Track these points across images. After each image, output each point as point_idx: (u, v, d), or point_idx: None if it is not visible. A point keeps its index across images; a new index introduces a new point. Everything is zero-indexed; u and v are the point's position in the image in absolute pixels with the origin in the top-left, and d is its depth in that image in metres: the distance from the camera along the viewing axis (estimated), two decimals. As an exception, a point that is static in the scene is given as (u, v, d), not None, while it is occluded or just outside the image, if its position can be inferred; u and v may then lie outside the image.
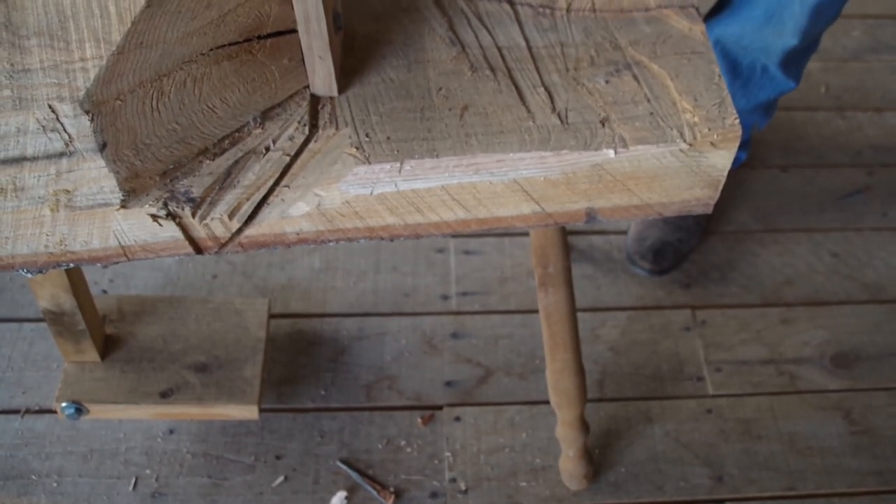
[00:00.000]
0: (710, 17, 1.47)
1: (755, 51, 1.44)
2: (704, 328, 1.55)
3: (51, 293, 1.14)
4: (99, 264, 0.81)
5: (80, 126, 0.71)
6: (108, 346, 1.29)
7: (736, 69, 1.48)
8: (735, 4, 1.42)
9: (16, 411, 1.41)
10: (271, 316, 1.38)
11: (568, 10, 0.93)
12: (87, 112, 0.70)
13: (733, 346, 1.53)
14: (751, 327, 1.56)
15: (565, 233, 1.03)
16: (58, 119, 0.71)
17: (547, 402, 1.26)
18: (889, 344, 1.54)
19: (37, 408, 1.41)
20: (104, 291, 1.55)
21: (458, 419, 1.43)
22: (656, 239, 1.61)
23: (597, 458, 1.38)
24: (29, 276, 0.86)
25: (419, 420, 1.42)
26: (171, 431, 1.39)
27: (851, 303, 1.60)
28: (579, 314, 1.14)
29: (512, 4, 0.93)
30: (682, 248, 1.62)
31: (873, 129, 1.90)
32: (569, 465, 1.33)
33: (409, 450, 1.39)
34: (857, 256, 1.67)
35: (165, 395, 1.26)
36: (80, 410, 1.25)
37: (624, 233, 1.68)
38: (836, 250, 1.68)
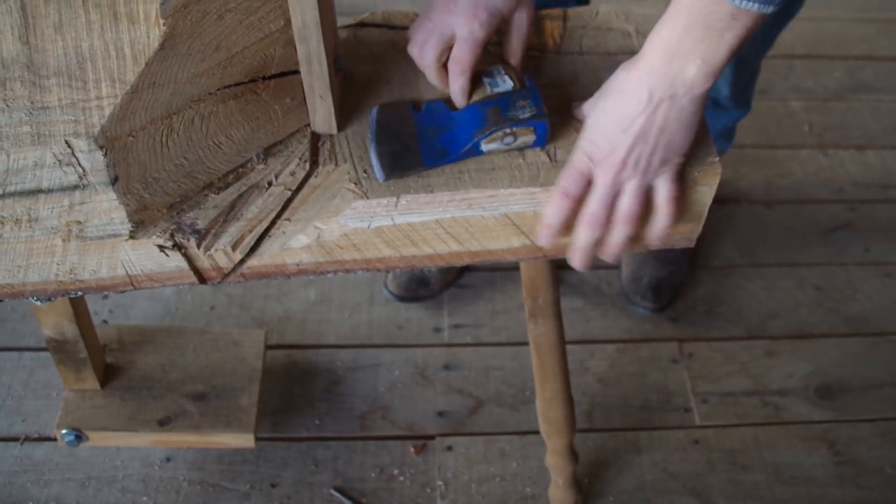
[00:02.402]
0: None
1: None
2: (691, 360, 1.59)
3: (55, 322, 1.17)
4: (106, 293, 0.84)
5: (93, 160, 0.75)
6: (108, 374, 1.32)
7: None
8: None
9: (15, 439, 1.43)
10: (268, 347, 1.41)
11: (557, 53, 0.97)
12: (101, 147, 0.74)
13: (719, 377, 1.56)
14: (736, 359, 1.59)
15: (554, 266, 1.07)
16: (73, 154, 0.74)
17: (537, 433, 1.29)
18: (872, 376, 1.58)
19: (36, 435, 1.43)
20: (105, 321, 1.58)
21: (449, 449, 1.45)
22: (651, 276, 1.64)
23: (586, 488, 1.41)
24: (38, 303, 0.89)
25: (412, 449, 1.45)
26: (168, 459, 1.41)
27: (835, 336, 1.64)
28: (569, 346, 1.17)
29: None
30: (675, 282, 1.66)
31: (855, 167, 1.95)
32: (558, 494, 1.35)
33: (401, 478, 1.41)
34: (840, 290, 1.71)
35: (164, 423, 1.28)
36: (79, 437, 1.27)
37: (613, 267, 1.72)
38: (819, 284, 1.72)
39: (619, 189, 0.82)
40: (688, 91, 0.77)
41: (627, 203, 0.82)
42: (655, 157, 0.80)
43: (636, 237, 0.85)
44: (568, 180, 0.82)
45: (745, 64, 1.45)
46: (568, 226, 0.83)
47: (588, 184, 0.82)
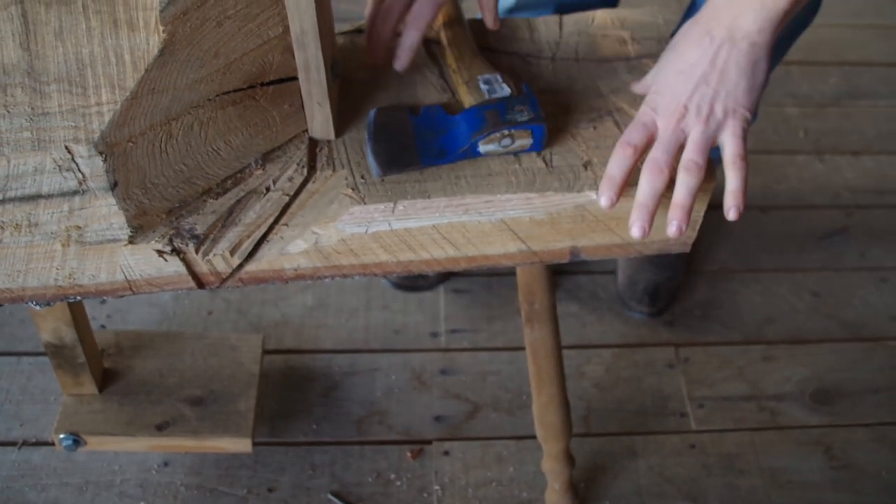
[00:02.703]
0: None
1: None
2: (687, 365, 1.59)
3: (53, 326, 1.17)
4: (104, 298, 0.85)
5: (93, 166, 0.75)
6: (106, 379, 1.32)
7: None
8: None
9: (13, 443, 1.43)
10: (265, 352, 1.42)
11: (553, 59, 0.98)
12: (100, 153, 0.75)
13: (716, 382, 1.57)
14: (733, 364, 1.60)
15: (550, 271, 1.07)
16: (73, 159, 0.75)
17: (533, 437, 1.29)
18: (868, 380, 1.58)
19: (34, 440, 1.43)
20: (102, 326, 1.58)
21: (446, 453, 1.46)
22: (648, 281, 1.65)
23: (582, 492, 1.42)
24: (37, 308, 0.90)
25: (408, 454, 1.45)
26: (166, 464, 1.41)
27: (831, 341, 1.65)
28: (566, 351, 1.18)
29: (500, 53, 0.98)
30: (672, 287, 1.67)
31: (851, 172, 1.96)
32: (555, 499, 1.36)
33: (398, 483, 1.42)
34: (836, 295, 1.72)
35: (161, 428, 1.28)
36: (77, 442, 1.27)
37: (610, 272, 1.73)
38: (816, 289, 1.73)
39: (682, 137, 0.81)
40: (746, 36, 0.78)
41: (691, 150, 0.81)
42: (717, 105, 0.80)
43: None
44: (631, 131, 0.82)
45: None
46: (628, 181, 0.81)
47: (651, 137, 0.82)
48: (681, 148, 0.81)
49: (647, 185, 0.81)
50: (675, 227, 0.81)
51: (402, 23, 0.93)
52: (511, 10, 1.50)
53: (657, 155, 0.81)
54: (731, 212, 0.83)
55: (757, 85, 0.80)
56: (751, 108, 0.81)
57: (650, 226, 0.81)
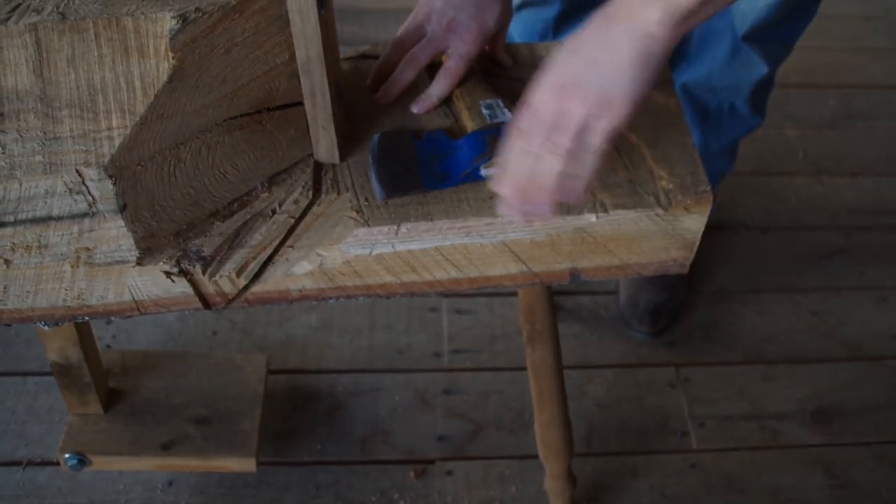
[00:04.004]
0: (674, 66, 1.52)
1: (724, 90, 1.50)
2: (688, 385, 1.60)
3: (60, 346, 1.19)
4: (111, 318, 0.86)
5: (103, 189, 0.77)
6: (111, 399, 1.33)
7: (705, 113, 1.54)
8: (695, 49, 1.49)
9: (18, 463, 1.44)
10: (269, 371, 1.43)
11: (553, 85, 1.00)
12: (110, 176, 0.76)
13: (716, 401, 1.58)
14: (733, 384, 1.61)
15: (551, 292, 1.09)
16: (83, 182, 0.77)
17: (536, 457, 1.30)
18: (867, 399, 1.59)
19: (39, 460, 1.44)
20: (108, 346, 1.60)
21: (449, 473, 1.47)
22: (649, 301, 1.66)
23: (584, 512, 1.42)
24: (45, 328, 0.91)
25: (412, 474, 1.46)
26: (171, 483, 1.42)
27: (831, 360, 1.66)
28: (567, 371, 1.19)
29: (502, 79, 1.00)
30: (673, 307, 1.68)
31: (849, 193, 1.97)
32: (557, 518, 1.36)
33: (402, 502, 1.42)
34: (835, 315, 1.73)
35: (166, 447, 1.29)
36: (82, 461, 1.28)
37: (611, 293, 1.74)
38: (815, 309, 1.74)
39: (556, 116, 0.77)
40: (645, 29, 0.74)
41: (561, 133, 0.77)
42: (592, 89, 0.75)
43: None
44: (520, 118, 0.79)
45: (760, 68, 1.47)
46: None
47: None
48: (554, 125, 0.77)
49: (514, 156, 0.79)
50: (573, 197, 0.79)
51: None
52: (519, 7, 1.52)
53: (525, 124, 0.78)
54: (566, 196, 0.80)
55: (643, 81, 0.76)
56: (629, 103, 0.76)
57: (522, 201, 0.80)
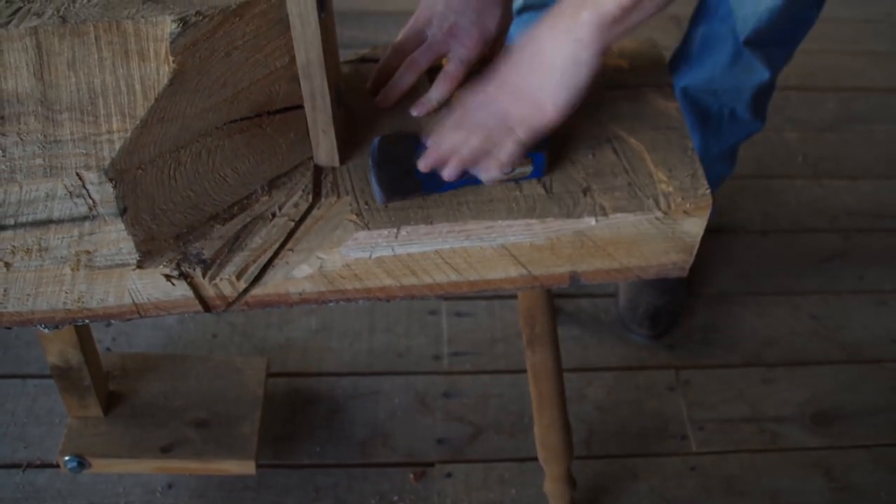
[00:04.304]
0: (675, 69, 1.53)
1: (725, 94, 1.51)
2: (688, 388, 1.60)
3: (60, 349, 1.19)
4: (111, 321, 0.86)
5: (103, 192, 0.77)
6: (111, 401, 1.33)
7: (706, 117, 1.55)
8: (696, 53, 1.49)
9: (17, 465, 1.44)
10: (269, 374, 1.43)
11: (553, 88, 1.00)
12: (110, 180, 0.77)
13: (716, 404, 1.58)
14: (733, 387, 1.61)
15: (551, 295, 1.09)
16: (84, 186, 0.77)
17: (535, 459, 1.30)
18: (867, 402, 1.59)
19: (38, 462, 1.44)
20: (108, 349, 1.60)
21: (449, 475, 1.47)
22: (648, 304, 1.66)
23: (584, 515, 1.42)
24: (45, 331, 0.91)
25: (411, 476, 1.46)
26: (170, 486, 1.42)
27: (830, 363, 1.66)
28: (567, 374, 1.19)
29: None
30: (672, 310, 1.68)
31: (849, 196, 1.97)
32: (557, 521, 1.36)
33: (401, 505, 1.43)
34: (835, 318, 1.73)
35: (166, 450, 1.29)
36: (82, 464, 1.28)
37: (611, 296, 1.74)
38: (814, 312, 1.74)
39: (480, 98, 0.85)
40: (575, 34, 0.78)
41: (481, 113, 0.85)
42: (528, 90, 0.81)
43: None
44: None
45: (761, 70, 1.48)
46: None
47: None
48: (478, 104, 0.86)
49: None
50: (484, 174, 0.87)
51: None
52: (520, 11, 1.53)
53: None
54: (445, 170, 0.87)
55: (568, 86, 0.80)
56: (553, 106, 0.81)
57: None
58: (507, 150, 0.84)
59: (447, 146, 0.85)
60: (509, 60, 0.84)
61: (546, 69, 0.80)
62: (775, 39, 1.41)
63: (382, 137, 0.88)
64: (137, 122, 0.76)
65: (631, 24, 0.78)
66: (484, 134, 0.84)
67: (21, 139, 0.76)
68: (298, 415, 1.53)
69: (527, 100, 0.82)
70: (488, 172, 0.86)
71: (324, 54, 0.80)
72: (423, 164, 0.86)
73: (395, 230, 0.84)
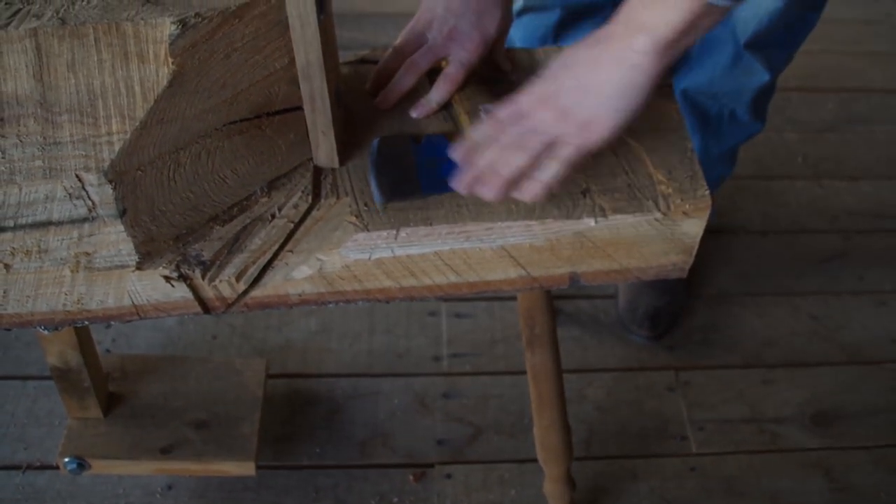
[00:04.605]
0: (675, 71, 1.52)
1: (725, 96, 1.51)
2: (688, 388, 1.60)
3: (59, 350, 1.19)
4: (111, 322, 0.86)
5: (103, 194, 0.77)
6: (111, 402, 1.33)
7: (706, 119, 1.54)
8: (696, 55, 1.49)
9: (17, 467, 1.44)
10: (269, 376, 1.43)
11: (552, 89, 1.00)
12: (110, 181, 0.77)
13: (716, 405, 1.58)
14: (733, 387, 1.61)
15: (551, 296, 1.09)
16: (83, 187, 0.77)
17: (535, 461, 1.30)
18: (867, 403, 1.59)
19: (38, 463, 1.44)
20: (108, 350, 1.60)
21: (449, 476, 1.47)
22: (648, 305, 1.66)
23: (584, 515, 1.42)
24: (45, 332, 0.91)
25: (411, 477, 1.46)
26: (170, 487, 1.42)
27: (830, 364, 1.66)
28: (567, 375, 1.19)
29: (502, 83, 1.00)
30: (672, 311, 1.68)
31: (849, 197, 1.97)
32: (556, 522, 1.36)
33: (401, 506, 1.43)
34: (835, 319, 1.73)
35: (166, 451, 1.30)
36: (82, 465, 1.28)
37: (610, 297, 1.74)
38: (814, 313, 1.74)
39: (534, 122, 0.81)
40: (630, 58, 0.77)
41: (533, 138, 0.81)
42: (576, 111, 0.79)
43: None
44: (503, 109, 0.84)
45: (760, 73, 1.48)
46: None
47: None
48: (530, 129, 0.82)
49: (490, 154, 0.83)
50: (528, 195, 0.83)
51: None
52: (520, 13, 1.53)
53: (504, 115, 0.83)
54: (526, 194, 0.84)
55: (624, 108, 0.79)
56: (607, 128, 0.79)
57: (499, 193, 0.83)
58: (552, 170, 0.81)
59: (484, 164, 0.82)
60: (551, 78, 0.81)
61: (601, 91, 0.78)
62: (776, 42, 1.41)
63: (382, 139, 0.88)
64: (137, 123, 0.76)
65: (685, 45, 0.77)
66: (525, 153, 0.81)
67: (20, 141, 0.76)
68: (298, 416, 1.53)
69: (576, 120, 0.79)
70: (531, 193, 0.83)
71: (323, 56, 0.80)
72: (461, 185, 0.83)
73: (394, 231, 0.84)
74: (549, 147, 0.81)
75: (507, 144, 0.82)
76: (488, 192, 0.83)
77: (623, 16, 0.78)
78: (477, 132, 0.84)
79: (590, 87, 0.79)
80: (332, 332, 1.66)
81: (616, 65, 0.77)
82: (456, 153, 0.84)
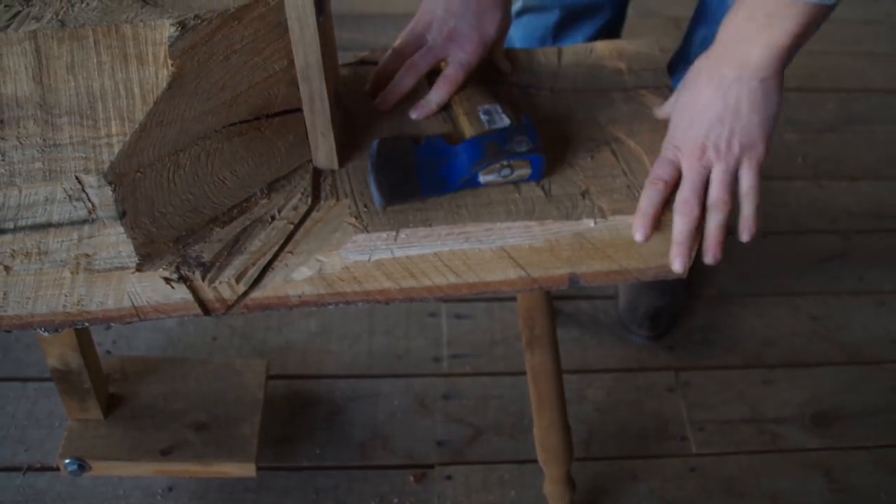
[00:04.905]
0: (674, 71, 1.52)
1: None
2: (687, 389, 1.60)
3: (60, 352, 1.19)
4: (111, 324, 0.86)
5: (102, 196, 0.77)
6: (111, 404, 1.33)
7: None
8: (696, 54, 1.48)
9: (18, 468, 1.44)
10: (269, 377, 1.43)
11: (552, 90, 1.00)
12: (110, 183, 0.77)
13: (716, 405, 1.58)
14: (733, 388, 1.61)
15: (550, 296, 1.09)
16: (83, 189, 0.77)
17: (535, 461, 1.30)
18: (867, 403, 1.59)
19: (38, 465, 1.44)
20: (108, 352, 1.60)
21: (449, 477, 1.47)
22: (648, 306, 1.66)
23: (584, 516, 1.43)
24: (45, 334, 0.91)
25: (411, 478, 1.46)
26: (171, 489, 1.42)
27: (830, 364, 1.66)
28: (567, 375, 1.19)
29: (500, 84, 1.01)
30: (672, 311, 1.68)
31: (849, 197, 1.97)
32: (557, 522, 1.36)
33: (401, 507, 1.43)
34: (834, 319, 1.73)
35: (166, 453, 1.30)
36: (82, 467, 1.28)
37: (610, 297, 1.74)
38: (814, 313, 1.74)
39: (705, 174, 0.86)
40: (754, 74, 0.83)
41: (715, 188, 0.86)
42: (734, 141, 0.84)
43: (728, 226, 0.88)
44: (658, 168, 0.86)
45: None
46: (659, 216, 0.85)
47: (678, 172, 0.86)
48: (706, 184, 0.86)
49: (683, 223, 0.86)
50: (710, 258, 0.87)
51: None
52: (519, 13, 1.53)
53: (686, 195, 0.86)
54: (744, 234, 0.88)
55: (769, 117, 0.86)
56: (765, 140, 0.86)
57: (688, 260, 0.86)
58: (751, 201, 0.89)
59: (685, 231, 0.86)
60: (691, 126, 0.86)
61: (742, 116, 0.85)
62: None
63: (381, 140, 0.89)
64: (136, 125, 0.76)
65: (801, 45, 0.83)
66: (719, 206, 0.87)
67: (20, 143, 0.77)
68: (298, 417, 1.53)
69: (736, 150, 0.86)
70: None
71: (322, 57, 0.81)
72: (676, 266, 0.87)
73: (393, 233, 0.84)
74: (731, 189, 0.87)
75: (686, 209, 0.86)
76: (714, 257, 0.88)
77: (729, 37, 0.84)
78: (647, 200, 0.86)
79: (728, 116, 0.85)
80: (332, 334, 1.66)
81: (746, 87, 0.84)
82: (639, 233, 0.86)
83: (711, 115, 0.85)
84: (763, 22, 0.80)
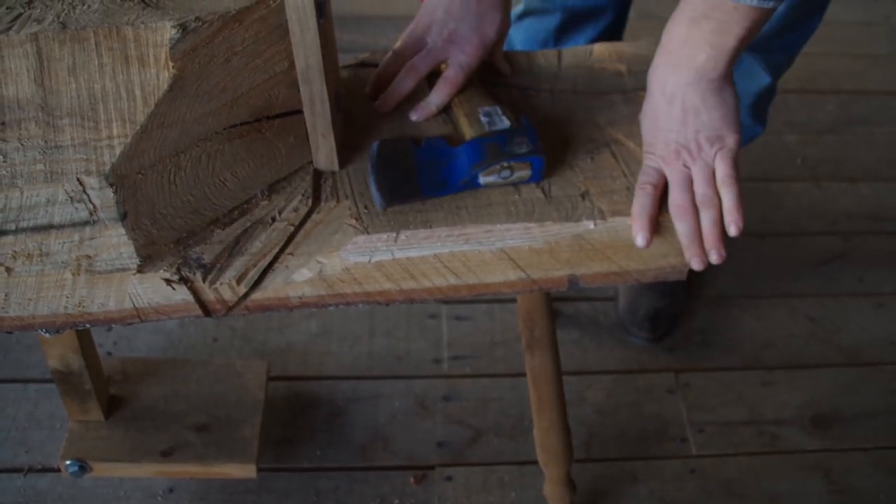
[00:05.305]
0: None
1: None
2: (687, 390, 1.61)
3: (60, 353, 1.19)
4: (112, 325, 0.87)
5: (104, 197, 0.78)
6: (112, 405, 1.33)
7: None
8: None
9: (19, 470, 1.44)
10: (270, 378, 1.43)
11: (552, 92, 1.00)
12: (111, 185, 0.77)
13: (715, 407, 1.58)
14: (732, 389, 1.61)
15: (550, 298, 1.09)
16: (84, 191, 0.77)
17: (535, 463, 1.30)
18: (865, 405, 1.60)
19: (39, 466, 1.45)
20: (109, 353, 1.60)
21: (449, 479, 1.47)
22: (648, 308, 1.66)
23: (584, 517, 1.43)
24: (46, 335, 0.91)
25: (412, 479, 1.46)
26: (171, 490, 1.42)
27: (829, 366, 1.66)
28: (566, 377, 1.19)
29: (501, 86, 1.01)
30: (672, 313, 1.68)
31: (848, 199, 1.98)
32: (557, 524, 1.37)
33: (401, 509, 1.43)
34: (833, 321, 1.73)
35: (167, 454, 1.30)
36: (83, 468, 1.28)
37: (610, 299, 1.74)
38: (813, 315, 1.74)
39: (689, 174, 0.87)
40: (704, 75, 0.84)
41: (700, 186, 0.87)
42: (701, 138, 0.86)
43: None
44: (643, 176, 0.88)
45: (761, 79, 1.49)
46: (655, 218, 0.86)
47: (662, 176, 0.88)
48: (691, 182, 0.87)
49: (681, 226, 0.86)
50: (715, 257, 0.87)
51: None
52: (520, 16, 1.53)
53: (677, 198, 0.86)
54: (730, 227, 0.87)
55: (730, 110, 0.87)
56: (731, 130, 0.87)
57: (703, 257, 0.86)
58: (731, 192, 0.89)
59: (689, 232, 0.87)
60: (660, 132, 0.88)
61: (702, 116, 0.86)
62: (777, 45, 1.41)
63: (382, 142, 0.89)
64: (137, 127, 0.76)
65: (748, 43, 0.84)
66: (707, 202, 0.88)
67: (22, 145, 0.77)
68: (299, 418, 1.53)
69: (706, 143, 0.87)
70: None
71: (323, 59, 0.81)
72: (695, 264, 0.87)
73: (394, 234, 0.84)
74: (711, 183, 0.88)
75: (693, 212, 0.87)
76: (718, 254, 0.87)
77: (675, 43, 0.86)
78: (639, 204, 0.87)
79: (689, 115, 0.86)
80: (333, 335, 1.66)
81: (700, 89, 0.86)
82: (640, 237, 0.86)
83: (673, 120, 0.86)
84: (709, 27, 0.82)
